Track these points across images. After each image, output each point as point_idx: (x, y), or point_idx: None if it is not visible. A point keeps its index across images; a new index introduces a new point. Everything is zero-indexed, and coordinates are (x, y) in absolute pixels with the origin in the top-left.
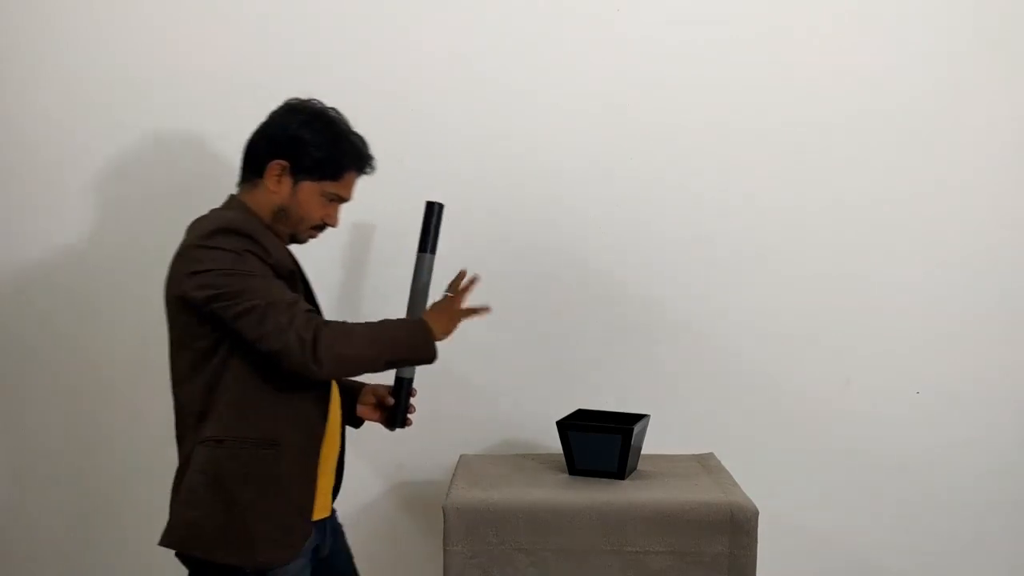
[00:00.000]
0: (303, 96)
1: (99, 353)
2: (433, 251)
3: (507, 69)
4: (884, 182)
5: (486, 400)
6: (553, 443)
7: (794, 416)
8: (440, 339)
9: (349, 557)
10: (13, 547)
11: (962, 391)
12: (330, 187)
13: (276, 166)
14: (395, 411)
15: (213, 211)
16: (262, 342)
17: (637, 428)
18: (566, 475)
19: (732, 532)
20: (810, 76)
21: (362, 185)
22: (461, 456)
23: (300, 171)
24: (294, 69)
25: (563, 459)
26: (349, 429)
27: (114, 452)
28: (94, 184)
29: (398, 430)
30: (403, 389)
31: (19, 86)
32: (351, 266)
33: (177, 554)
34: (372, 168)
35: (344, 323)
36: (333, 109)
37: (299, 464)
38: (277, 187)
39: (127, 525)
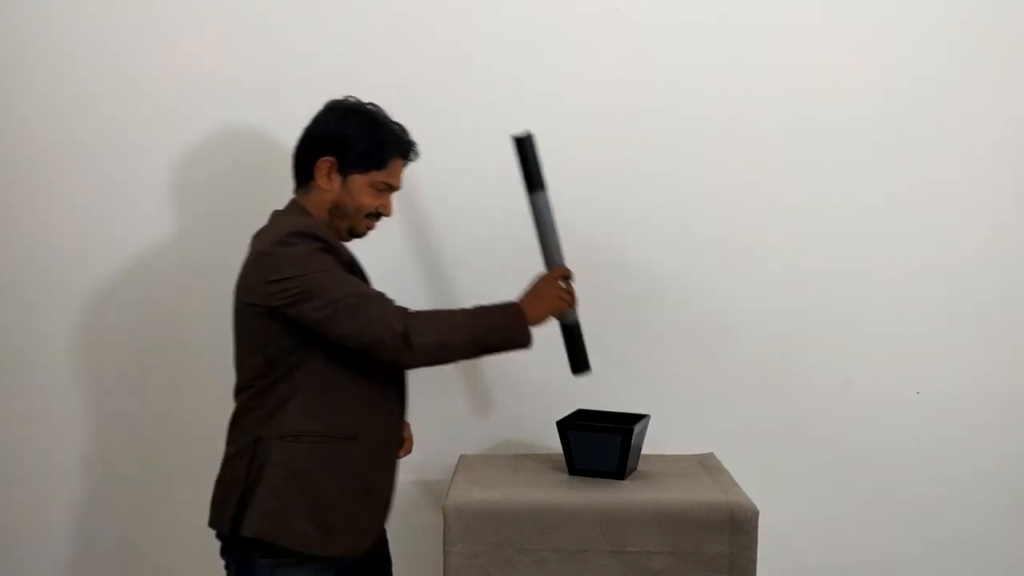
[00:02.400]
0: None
1: (107, 356)
2: (544, 187)
3: (506, 69)
4: (885, 182)
5: (486, 400)
6: (553, 443)
7: (794, 416)
8: (535, 324)
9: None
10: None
11: (962, 391)
12: (378, 176)
13: (324, 164)
14: (575, 357)
15: (275, 217)
16: (356, 337)
17: (637, 428)
18: (566, 475)
19: (732, 532)
20: (814, 75)
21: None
22: (461, 456)
23: (347, 165)
24: (294, 69)
25: (563, 459)
26: None
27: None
28: (96, 184)
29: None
30: (571, 335)
31: (20, 86)
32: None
33: (232, 538)
34: (416, 153)
35: (435, 312)
36: (371, 103)
37: (379, 454)
38: (329, 184)
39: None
